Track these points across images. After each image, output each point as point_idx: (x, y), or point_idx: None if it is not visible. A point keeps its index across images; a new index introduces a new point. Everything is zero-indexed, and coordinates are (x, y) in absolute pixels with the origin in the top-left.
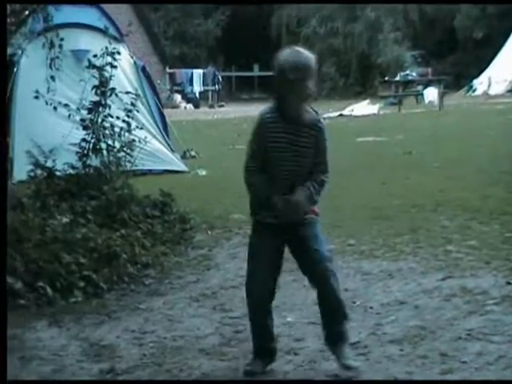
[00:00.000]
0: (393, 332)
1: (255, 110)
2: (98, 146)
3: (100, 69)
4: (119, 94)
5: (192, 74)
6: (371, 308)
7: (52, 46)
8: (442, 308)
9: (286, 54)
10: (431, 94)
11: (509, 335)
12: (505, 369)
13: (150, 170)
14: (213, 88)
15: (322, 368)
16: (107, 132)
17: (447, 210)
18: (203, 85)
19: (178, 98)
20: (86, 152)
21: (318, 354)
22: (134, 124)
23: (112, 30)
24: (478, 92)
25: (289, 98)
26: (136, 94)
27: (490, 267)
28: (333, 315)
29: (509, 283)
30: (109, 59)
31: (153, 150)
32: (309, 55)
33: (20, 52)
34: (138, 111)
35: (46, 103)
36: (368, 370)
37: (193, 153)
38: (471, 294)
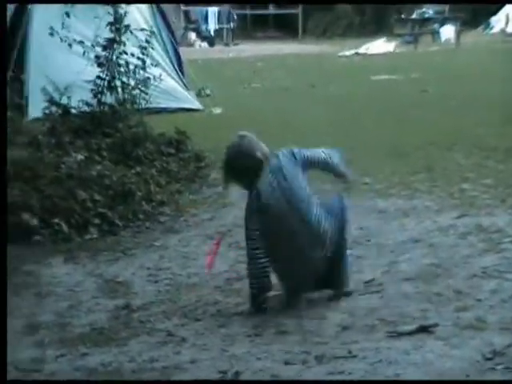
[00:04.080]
0: (408, 270)
1: (270, 48)
2: (112, 84)
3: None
4: (134, 31)
5: (207, 11)
6: (386, 246)
7: None
8: (457, 246)
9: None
10: (448, 31)
11: None
12: None
13: (164, 108)
14: (227, 26)
15: None
16: (122, 69)
17: (463, 148)
18: (218, 23)
19: (192, 36)
20: (100, 89)
21: None
22: (148, 61)
23: None
24: (496, 30)
25: None
26: (150, 31)
27: (505, 205)
28: None
29: None
30: None
31: (167, 87)
32: None
33: None
34: (152, 48)
35: (61, 40)
36: (383, 308)
37: (208, 91)
38: (486, 232)
